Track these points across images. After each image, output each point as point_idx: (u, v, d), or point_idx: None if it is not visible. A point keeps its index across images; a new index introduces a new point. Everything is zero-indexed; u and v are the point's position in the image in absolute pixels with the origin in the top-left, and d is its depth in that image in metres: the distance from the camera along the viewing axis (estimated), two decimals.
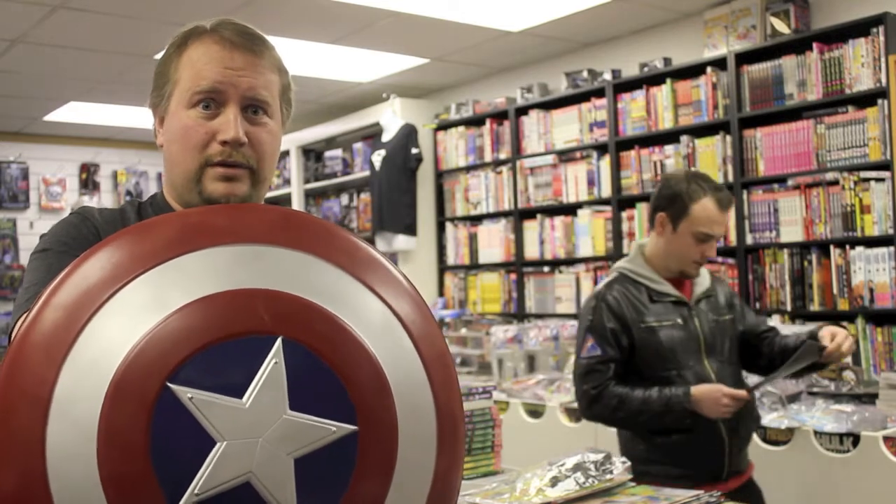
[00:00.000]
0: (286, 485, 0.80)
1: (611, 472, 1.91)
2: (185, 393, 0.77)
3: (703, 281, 2.53)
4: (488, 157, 5.57)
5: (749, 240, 4.19)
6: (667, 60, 4.63)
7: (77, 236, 1.20)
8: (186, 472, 0.77)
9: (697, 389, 2.31)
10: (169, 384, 0.77)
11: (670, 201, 2.46)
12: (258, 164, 1.20)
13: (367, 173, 6.19)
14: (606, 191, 4.87)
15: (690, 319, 2.44)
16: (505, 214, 5.49)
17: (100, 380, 0.77)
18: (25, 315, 0.83)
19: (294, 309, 0.83)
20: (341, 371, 0.83)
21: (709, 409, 2.29)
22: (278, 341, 0.81)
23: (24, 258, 6.98)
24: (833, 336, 2.28)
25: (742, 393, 2.30)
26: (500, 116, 5.50)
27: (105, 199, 7.34)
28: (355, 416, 0.83)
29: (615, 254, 4.80)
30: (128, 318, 0.80)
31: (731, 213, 2.40)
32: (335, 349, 0.83)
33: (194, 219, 0.88)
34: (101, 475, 0.76)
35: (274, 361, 0.80)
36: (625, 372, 2.42)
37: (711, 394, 2.29)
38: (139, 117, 6.58)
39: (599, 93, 4.88)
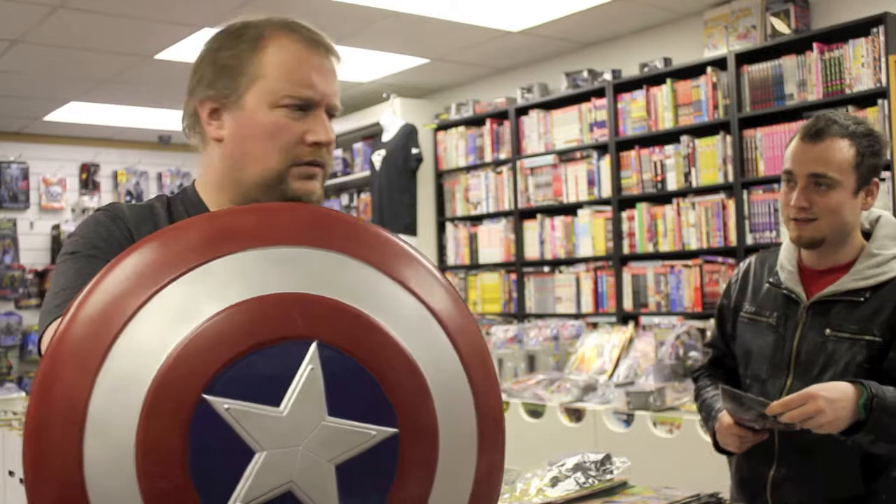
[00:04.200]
0: (328, 492, 0.79)
1: (611, 472, 1.91)
2: (221, 404, 0.76)
3: (856, 279, 1.78)
4: (488, 157, 5.57)
5: (749, 240, 4.19)
6: (667, 60, 4.63)
7: (108, 238, 1.16)
8: (226, 484, 0.76)
9: (724, 413, 1.83)
10: (205, 396, 0.76)
11: None
12: (329, 164, 1.24)
13: (367, 173, 6.19)
14: (606, 191, 4.87)
15: (790, 322, 1.83)
16: (505, 214, 5.49)
17: (134, 394, 0.76)
18: (57, 326, 0.81)
19: (327, 312, 0.81)
20: (378, 373, 0.82)
21: (720, 436, 1.86)
22: (313, 346, 0.79)
23: (24, 258, 6.98)
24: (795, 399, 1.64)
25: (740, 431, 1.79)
26: (500, 116, 5.50)
27: (105, 199, 7.33)
28: (395, 418, 0.82)
29: (615, 254, 4.80)
30: (159, 329, 0.78)
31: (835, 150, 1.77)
32: (371, 351, 0.82)
33: (222, 222, 0.86)
34: (140, 489, 0.75)
35: (310, 367, 0.79)
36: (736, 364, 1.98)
37: (723, 418, 1.83)
38: (139, 117, 6.58)
39: (599, 93, 4.88)
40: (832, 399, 1.60)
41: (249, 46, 1.20)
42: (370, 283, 0.85)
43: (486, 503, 0.90)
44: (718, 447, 1.91)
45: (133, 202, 1.29)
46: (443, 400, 0.85)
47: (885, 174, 3.72)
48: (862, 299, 1.76)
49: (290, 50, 1.20)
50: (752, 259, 2.02)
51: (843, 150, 1.76)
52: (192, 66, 1.25)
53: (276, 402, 0.78)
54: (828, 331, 1.78)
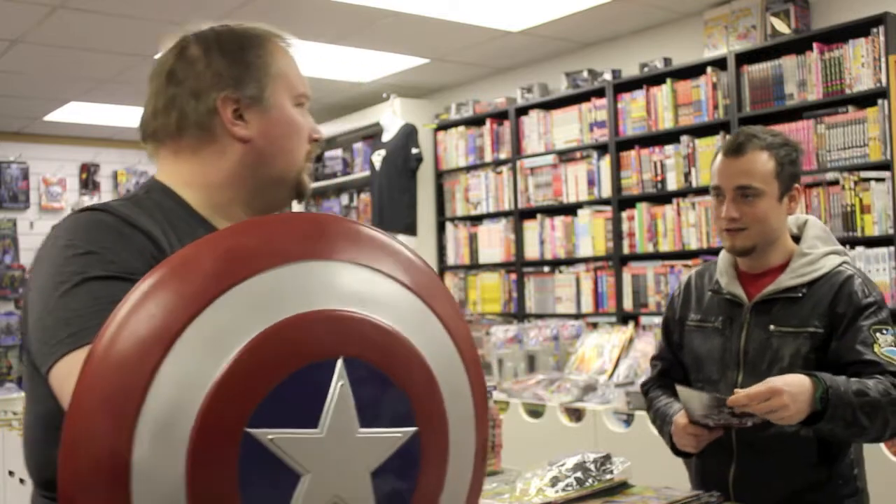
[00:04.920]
0: (368, 499, 0.82)
1: (611, 472, 1.91)
2: (265, 435, 0.77)
3: (792, 277, 1.91)
4: (488, 157, 5.57)
5: None
6: (667, 60, 4.63)
7: (124, 248, 1.05)
8: None
9: (679, 415, 1.92)
10: (248, 430, 0.76)
11: None
12: None
13: (367, 173, 6.19)
14: (606, 191, 4.87)
15: (735, 324, 1.95)
16: (505, 214, 5.49)
17: (177, 439, 0.75)
18: (81, 371, 0.77)
19: (345, 325, 0.83)
20: (397, 376, 0.84)
21: (677, 438, 1.93)
22: (339, 362, 0.81)
23: (25, 258, 6.97)
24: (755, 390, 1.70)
25: (695, 429, 1.86)
26: (500, 116, 5.49)
27: (105, 199, 7.31)
28: (414, 417, 0.85)
29: (615, 254, 4.81)
30: (191, 370, 0.77)
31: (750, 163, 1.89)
32: (388, 356, 0.84)
33: (228, 243, 0.85)
34: None
35: (340, 384, 0.81)
36: (686, 374, 2.07)
37: (678, 420, 1.92)
38: (139, 117, 6.57)
39: (599, 93, 4.88)
40: (794, 394, 1.68)
41: (268, 45, 1.22)
42: (374, 287, 0.87)
43: (481, 474, 0.95)
44: (676, 450, 1.99)
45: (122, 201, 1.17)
46: (447, 389, 0.89)
47: (885, 174, 3.73)
48: (800, 295, 1.90)
49: (287, 52, 1.25)
50: (690, 273, 2.15)
51: (764, 161, 1.90)
52: (186, 63, 1.19)
53: (314, 423, 0.79)
54: (772, 327, 1.91)
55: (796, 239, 1.99)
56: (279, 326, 0.80)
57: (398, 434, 0.84)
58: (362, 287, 0.86)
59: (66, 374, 0.93)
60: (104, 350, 0.77)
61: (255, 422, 0.76)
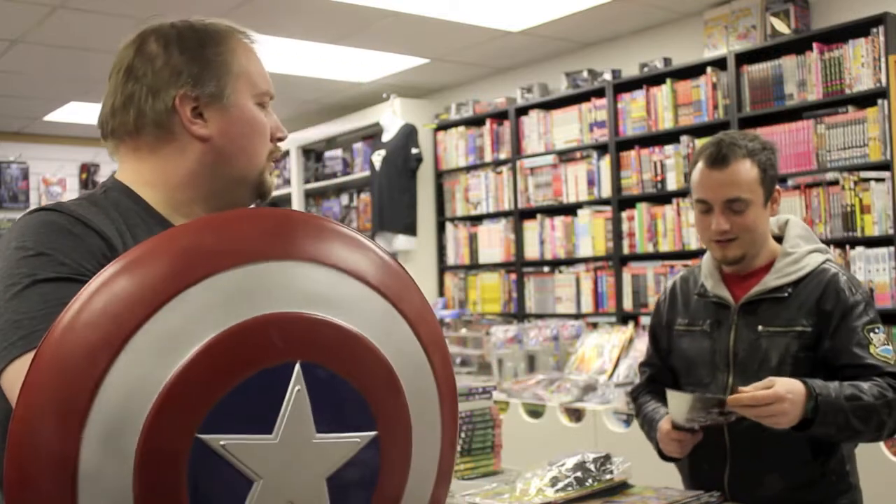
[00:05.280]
0: None
1: (611, 472, 1.91)
2: (217, 441, 0.75)
3: (777, 277, 1.92)
4: (488, 157, 5.57)
5: None
6: (667, 60, 4.63)
7: (75, 250, 1.03)
8: None
9: (664, 420, 1.94)
10: (199, 436, 0.74)
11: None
12: None
13: (367, 173, 6.19)
14: (606, 191, 4.87)
15: (723, 326, 1.96)
16: (505, 214, 5.49)
17: (126, 443, 0.73)
18: (28, 371, 0.75)
19: (305, 328, 0.80)
20: (358, 380, 0.83)
21: (662, 444, 1.95)
22: (297, 367, 0.79)
23: None
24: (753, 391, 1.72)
25: (675, 433, 1.88)
26: (500, 116, 5.50)
27: None
28: (375, 421, 0.83)
29: (615, 254, 4.81)
30: (143, 372, 0.74)
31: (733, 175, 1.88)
32: (349, 360, 0.82)
33: (185, 241, 0.82)
34: None
35: (297, 389, 0.79)
36: (675, 379, 2.08)
37: (662, 426, 1.93)
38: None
39: (599, 93, 4.88)
40: (795, 402, 1.70)
41: (230, 45, 1.20)
42: (337, 288, 0.84)
43: (448, 472, 0.94)
44: (663, 455, 2.00)
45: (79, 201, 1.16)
46: (412, 392, 0.87)
47: (885, 174, 3.73)
48: (786, 294, 1.90)
49: (250, 49, 1.23)
50: (675, 279, 2.16)
51: (748, 169, 1.89)
52: (145, 59, 1.20)
53: (269, 428, 0.78)
54: (760, 328, 1.91)
55: (778, 239, 2.00)
56: (234, 330, 0.77)
57: (356, 439, 0.82)
58: (324, 288, 0.83)
59: (16, 378, 0.91)
60: (51, 352, 0.75)
61: (207, 427, 0.75)
